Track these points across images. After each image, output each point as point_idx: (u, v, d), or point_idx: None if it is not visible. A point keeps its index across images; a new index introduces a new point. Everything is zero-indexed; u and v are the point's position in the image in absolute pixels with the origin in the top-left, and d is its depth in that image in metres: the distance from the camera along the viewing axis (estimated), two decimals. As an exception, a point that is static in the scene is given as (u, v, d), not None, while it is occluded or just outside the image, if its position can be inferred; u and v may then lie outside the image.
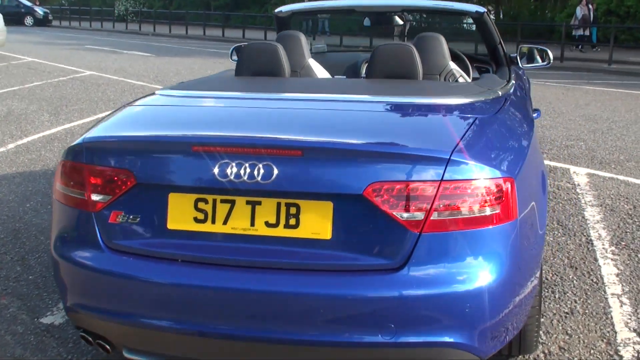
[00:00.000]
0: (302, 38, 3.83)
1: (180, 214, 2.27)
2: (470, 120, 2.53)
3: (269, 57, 3.33)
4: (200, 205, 2.26)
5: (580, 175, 6.24)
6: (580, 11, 21.75)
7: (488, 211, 2.19)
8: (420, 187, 2.15)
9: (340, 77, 4.46)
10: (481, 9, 4.21)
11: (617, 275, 3.91)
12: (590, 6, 21.92)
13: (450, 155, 2.17)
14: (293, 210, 2.20)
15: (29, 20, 38.25)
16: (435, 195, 2.15)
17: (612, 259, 4.15)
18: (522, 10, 30.83)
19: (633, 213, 5.07)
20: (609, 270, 3.98)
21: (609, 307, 3.51)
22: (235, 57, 4.86)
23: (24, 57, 17.62)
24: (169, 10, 35.71)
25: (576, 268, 4.00)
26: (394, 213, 2.15)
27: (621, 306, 3.51)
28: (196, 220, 2.26)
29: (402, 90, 3.01)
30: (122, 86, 12.25)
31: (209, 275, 2.23)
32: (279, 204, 2.21)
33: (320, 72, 3.88)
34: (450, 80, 3.76)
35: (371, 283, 2.15)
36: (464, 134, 2.36)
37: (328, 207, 2.19)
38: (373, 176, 2.15)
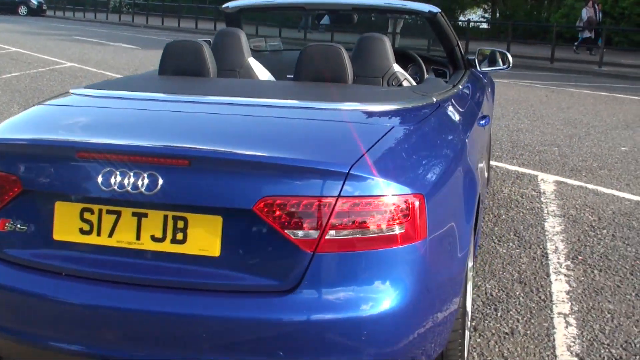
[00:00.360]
0: (242, 36, 3.64)
1: (66, 224, 2.14)
2: (386, 130, 2.35)
3: (192, 56, 3.15)
4: (86, 215, 2.12)
5: (547, 182, 6.04)
6: (586, 13, 21.25)
7: (392, 230, 2.03)
8: (315, 203, 1.99)
9: (290, 76, 4.26)
10: (434, 9, 3.99)
11: (568, 292, 3.72)
12: (596, 7, 21.50)
13: (350, 170, 2.01)
14: (180, 224, 2.05)
15: (22, 9, 37.96)
16: (331, 213, 1.99)
17: (565, 275, 3.95)
18: (517, 11, 30.64)
19: (597, 225, 4.87)
20: (559, 287, 3.79)
21: (553, 327, 3.31)
22: None
23: (8, 47, 17.39)
24: (163, 2, 35.44)
25: (525, 283, 3.80)
26: (286, 231, 1.99)
27: (566, 327, 3.32)
28: (81, 231, 2.13)
29: (322, 94, 2.82)
30: (99, 79, 12.02)
31: (90, 291, 2.10)
32: (165, 217, 2.06)
33: (261, 71, 3.68)
34: (393, 83, 3.57)
35: (259, 306, 1.99)
36: (373, 145, 2.19)
37: (217, 221, 2.03)
38: (264, 190, 2.00)
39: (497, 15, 33.31)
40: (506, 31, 22.52)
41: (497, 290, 3.70)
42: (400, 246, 2.04)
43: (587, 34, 21.47)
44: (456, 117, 3.02)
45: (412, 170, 2.22)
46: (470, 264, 3.03)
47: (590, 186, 5.94)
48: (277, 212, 1.98)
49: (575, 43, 21.86)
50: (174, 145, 2.13)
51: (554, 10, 28.21)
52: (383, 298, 2.00)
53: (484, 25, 32.52)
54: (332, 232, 1.99)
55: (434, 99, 2.86)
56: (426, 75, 4.37)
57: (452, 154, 2.58)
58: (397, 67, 3.60)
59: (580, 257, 4.23)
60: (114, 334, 2.07)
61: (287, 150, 2.14)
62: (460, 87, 3.56)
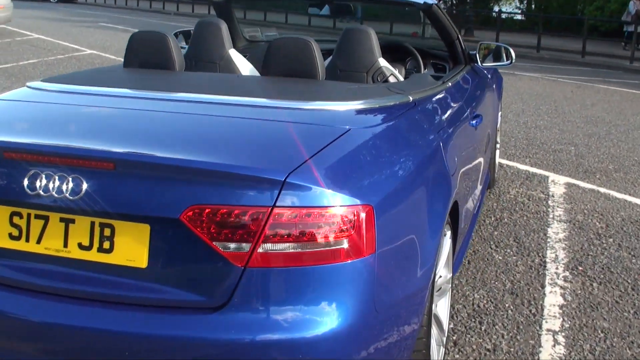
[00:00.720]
0: (223, 26, 3.45)
1: None
2: (341, 132, 2.15)
3: (156, 48, 2.99)
4: (15, 219, 2.00)
5: (558, 184, 5.76)
6: (633, 6, 20.61)
7: (335, 244, 1.85)
8: (247, 213, 1.83)
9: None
10: (430, 0, 3.76)
11: (562, 307, 3.47)
12: None
13: (287, 177, 1.83)
14: (107, 231, 1.92)
15: (54, -4, 38.20)
16: (265, 224, 1.82)
17: (561, 287, 3.71)
18: (552, 3, 29.97)
19: (603, 233, 4.60)
20: (553, 300, 3.54)
21: (540, 346, 3.08)
22: (183, 44, 4.60)
23: (31, 33, 17.43)
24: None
25: (517, 295, 3.57)
26: (214, 243, 1.83)
27: (554, 346, 3.09)
28: (11, 236, 2.00)
29: (284, 92, 2.63)
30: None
31: (17, 301, 1.98)
32: (93, 224, 1.93)
33: (242, 64, 3.49)
34: (378, 79, 3.35)
35: (183, 323, 1.84)
36: (321, 150, 2.00)
37: (145, 230, 1.89)
38: (193, 198, 1.84)
39: (533, 6, 32.68)
40: (539, 23, 21.96)
41: (485, 301, 3.48)
42: (344, 262, 1.86)
43: (631, 28, 20.71)
44: (435, 117, 2.81)
45: (362, 178, 2.01)
46: (448, 275, 2.83)
47: (602, 190, 5.65)
48: (206, 222, 1.82)
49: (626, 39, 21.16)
50: (97, 147, 1.97)
51: (588, 3, 27.51)
52: (323, 318, 1.83)
53: (518, 17, 31.92)
54: (267, 245, 1.82)
55: (410, 98, 2.65)
56: (423, 70, 4.14)
57: (419, 158, 2.36)
58: (383, 62, 3.38)
59: (580, 268, 3.98)
60: (39, 348, 1.95)
61: (221, 154, 1.97)
62: (451, 84, 3.34)
